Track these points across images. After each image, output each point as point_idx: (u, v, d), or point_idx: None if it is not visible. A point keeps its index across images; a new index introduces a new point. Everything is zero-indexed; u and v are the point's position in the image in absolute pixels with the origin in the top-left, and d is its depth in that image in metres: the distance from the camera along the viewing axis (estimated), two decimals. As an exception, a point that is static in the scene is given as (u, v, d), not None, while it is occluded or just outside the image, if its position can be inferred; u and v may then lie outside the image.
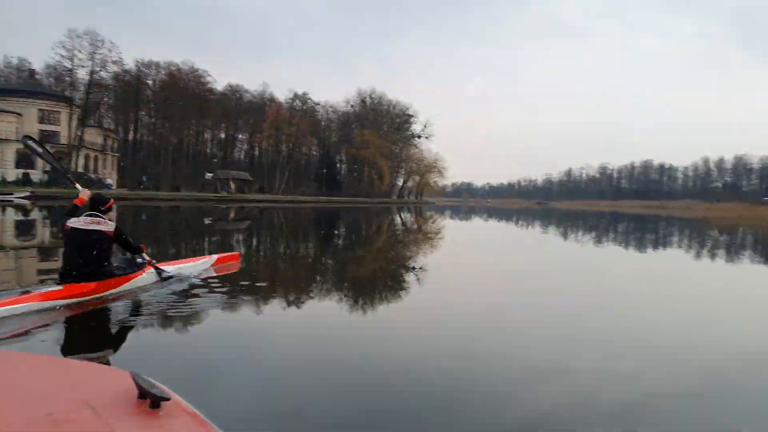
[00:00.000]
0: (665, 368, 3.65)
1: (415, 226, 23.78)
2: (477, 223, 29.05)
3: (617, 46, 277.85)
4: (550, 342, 4.22)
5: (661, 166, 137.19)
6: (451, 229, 23.33)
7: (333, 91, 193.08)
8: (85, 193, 5.30)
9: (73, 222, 4.90)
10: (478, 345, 4.02)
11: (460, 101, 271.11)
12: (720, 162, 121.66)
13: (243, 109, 74.34)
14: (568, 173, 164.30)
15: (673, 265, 10.91)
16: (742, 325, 5.27)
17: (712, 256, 13.26)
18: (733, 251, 14.74)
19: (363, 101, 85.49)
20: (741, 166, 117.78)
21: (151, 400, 1.38)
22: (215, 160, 70.10)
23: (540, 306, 5.71)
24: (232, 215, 26.14)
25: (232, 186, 56.33)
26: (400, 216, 34.65)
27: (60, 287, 4.74)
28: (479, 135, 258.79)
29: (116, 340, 3.97)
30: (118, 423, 1.27)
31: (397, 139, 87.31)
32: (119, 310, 4.78)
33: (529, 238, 18.56)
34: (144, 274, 5.57)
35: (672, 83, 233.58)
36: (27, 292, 4.57)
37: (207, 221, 20.87)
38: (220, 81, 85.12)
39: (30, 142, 5.97)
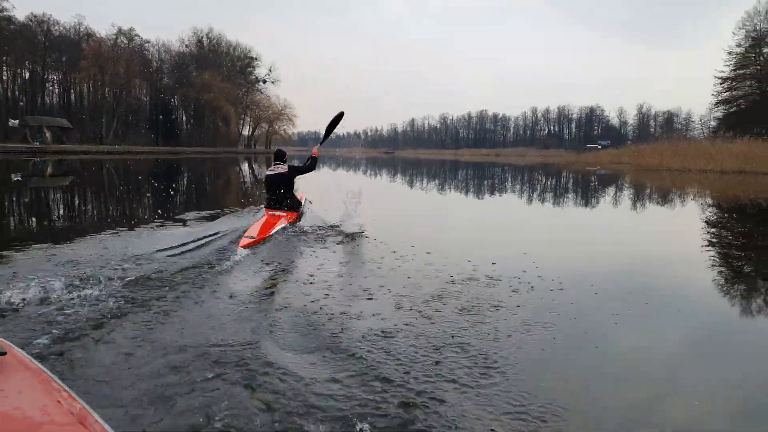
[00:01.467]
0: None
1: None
2: (327, 172, 28.39)
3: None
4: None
5: (495, 116, 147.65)
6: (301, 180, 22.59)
7: (166, 30, 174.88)
8: None
9: None
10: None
11: (310, 49, 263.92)
12: (546, 112, 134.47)
13: (53, 45, 63.22)
14: (412, 123, 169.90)
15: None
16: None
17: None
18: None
19: (200, 41, 78.11)
20: (563, 116, 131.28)
21: None
22: (21, 104, 59.58)
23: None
24: (49, 170, 22.26)
25: (48, 135, 47.98)
26: (251, 167, 32.62)
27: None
28: (326, 83, 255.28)
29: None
30: None
31: (240, 83, 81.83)
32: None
33: (377, 187, 18.83)
34: None
35: (502, 38, 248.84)
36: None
37: (16, 178, 17.37)
38: (20, 8, 71.53)
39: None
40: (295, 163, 8.17)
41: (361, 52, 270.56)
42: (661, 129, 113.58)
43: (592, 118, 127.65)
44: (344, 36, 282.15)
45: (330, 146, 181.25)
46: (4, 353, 1.36)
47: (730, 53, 44.87)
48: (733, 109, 45.79)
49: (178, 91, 72.94)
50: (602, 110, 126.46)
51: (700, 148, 30.47)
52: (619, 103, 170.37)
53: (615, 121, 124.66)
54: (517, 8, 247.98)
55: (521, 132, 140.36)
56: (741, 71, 44.50)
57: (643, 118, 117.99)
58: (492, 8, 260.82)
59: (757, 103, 41.47)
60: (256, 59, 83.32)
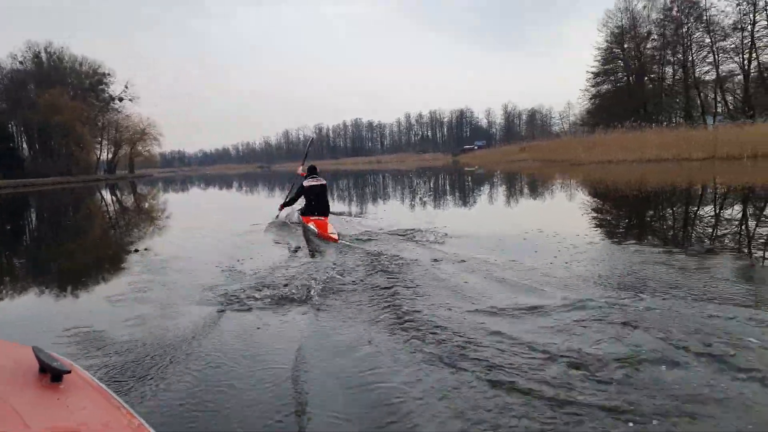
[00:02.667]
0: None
1: (140, 205, 20.05)
2: (196, 193, 26.05)
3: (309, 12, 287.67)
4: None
5: (370, 124, 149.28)
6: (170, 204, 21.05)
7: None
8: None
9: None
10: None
11: (171, 62, 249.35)
12: (419, 117, 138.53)
13: None
14: (286, 135, 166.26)
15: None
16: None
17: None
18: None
19: (37, 56, 69.03)
20: (435, 120, 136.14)
21: (51, 373, 1.41)
22: None
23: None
24: None
25: None
26: (116, 195, 28.80)
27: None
28: (186, 100, 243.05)
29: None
30: (15, 398, 1.28)
31: (93, 102, 73.65)
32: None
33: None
34: None
35: (363, 47, 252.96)
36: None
37: None
38: None
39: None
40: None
41: (227, 67, 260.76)
42: (525, 126, 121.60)
43: (462, 120, 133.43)
44: (208, 49, 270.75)
45: (199, 165, 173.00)
46: (69, 371, 1.43)
47: (598, 48, 48.22)
48: (596, 101, 49.07)
49: (16, 114, 63.95)
50: (472, 112, 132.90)
51: (601, 141, 31.55)
52: (487, 104, 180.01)
53: (484, 122, 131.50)
54: (373, 21, 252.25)
55: (396, 138, 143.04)
56: (608, 66, 47.83)
57: (509, 117, 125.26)
58: (352, 20, 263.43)
59: (625, 95, 44.58)
60: (108, 75, 75.47)
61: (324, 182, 9.17)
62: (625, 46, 45.79)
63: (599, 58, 48.36)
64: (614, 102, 45.34)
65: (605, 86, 49.30)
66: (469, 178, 27.81)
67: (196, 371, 2.94)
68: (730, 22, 36.62)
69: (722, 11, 37.27)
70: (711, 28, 38.02)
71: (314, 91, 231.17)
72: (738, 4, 35.15)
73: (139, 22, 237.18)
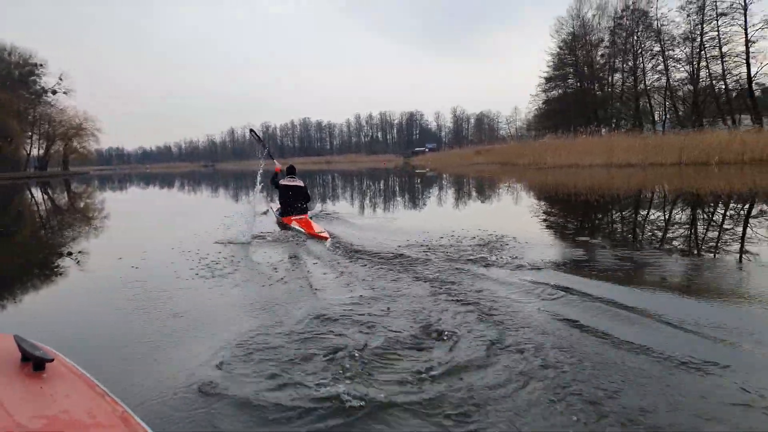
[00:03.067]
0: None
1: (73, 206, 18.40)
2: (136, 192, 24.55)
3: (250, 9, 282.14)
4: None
5: (319, 124, 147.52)
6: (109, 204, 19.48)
7: None
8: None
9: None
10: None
11: (124, 59, 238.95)
12: (369, 118, 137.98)
13: None
14: (232, 134, 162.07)
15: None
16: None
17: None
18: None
19: (-45, 44, 63.88)
20: (385, 122, 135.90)
21: (33, 362, 1.43)
22: None
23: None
24: None
25: None
26: (47, 194, 26.61)
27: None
28: (125, 95, 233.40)
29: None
30: None
31: (23, 94, 68.65)
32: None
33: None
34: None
35: (316, 49, 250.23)
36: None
37: None
38: None
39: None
40: None
41: (169, 63, 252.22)
42: (474, 130, 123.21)
43: (412, 122, 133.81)
44: (150, 45, 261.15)
45: (138, 162, 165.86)
46: (52, 360, 1.44)
47: (550, 54, 48.84)
48: (547, 106, 49.72)
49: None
50: (422, 114, 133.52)
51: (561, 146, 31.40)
52: (436, 107, 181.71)
53: (433, 125, 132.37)
54: (320, 22, 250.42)
55: (346, 138, 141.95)
56: (559, 72, 48.51)
57: (458, 120, 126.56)
58: (300, 21, 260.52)
59: (576, 101, 45.25)
60: (40, 65, 70.59)
61: (301, 184, 9.31)
62: (577, 52, 46.56)
63: (551, 63, 49.08)
64: (565, 107, 46.00)
65: (555, 92, 50.04)
66: (419, 180, 28.12)
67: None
68: (680, 32, 37.75)
69: (672, 21, 38.44)
70: (661, 37, 39.07)
71: (261, 90, 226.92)
72: (688, 15, 36.23)
73: (79, 16, 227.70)
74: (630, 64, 42.44)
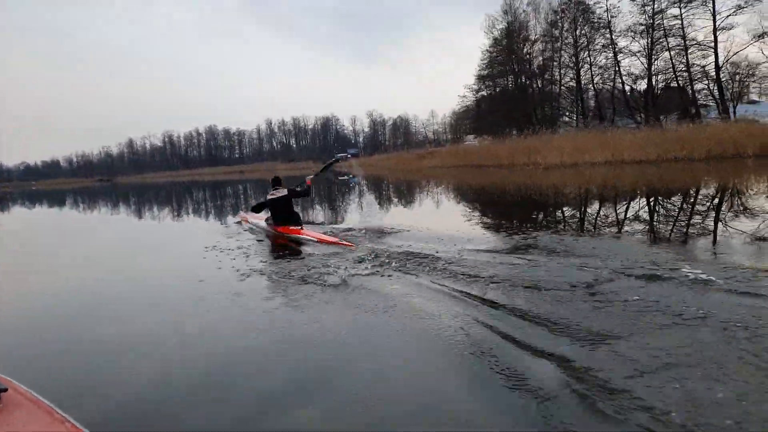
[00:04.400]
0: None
1: None
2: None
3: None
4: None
5: (227, 131, 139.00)
6: None
7: None
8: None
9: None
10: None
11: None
12: (282, 123, 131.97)
13: None
14: (130, 144, 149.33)
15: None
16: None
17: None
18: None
19: None
20: (299, 128, 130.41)
21: None
22: None
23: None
24: None
25: None
26: None
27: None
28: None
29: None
30: None
31: None
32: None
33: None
34: None
35: (222, 55, 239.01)
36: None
37: None
38: None
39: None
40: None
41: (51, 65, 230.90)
42: (389, 134, 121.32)
43: (328, 127, 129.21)
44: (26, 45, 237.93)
45: (24, 179, 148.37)
46: (5, 389, 1.42)
47: (484, 51, 46.95)
48: (480, 107, 47.76)
49: None
50: (337, 119, 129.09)
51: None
52: (352, 112, 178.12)
53: (350, 129, 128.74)
54: (223, 26, 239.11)
55: (257, 145, 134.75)
56: (492, 71, 46.55)
57: (375, 125, 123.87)
58: (205, 26, 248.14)
59: (512, 100, 43.27)
60: None
61: (286, 193, 9.37)
62: (513, 47, 44.74)
63: (486, 61, 47.11)
64: (502, 106, 43.92)
65: (485, 91, 48.32)
66: (345, 188, 24.98)
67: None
68: (634, 22, 36.71)
69: (620, 12, 37.65)
70: (611, 28, 38.06)
71: (163, 97, 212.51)
72: (643, 5, 35.09)
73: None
74: (573, 59, 41.00)
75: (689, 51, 33.37)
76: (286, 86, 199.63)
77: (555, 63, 42.76)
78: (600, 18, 38.92)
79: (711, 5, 31.39)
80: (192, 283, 5.99)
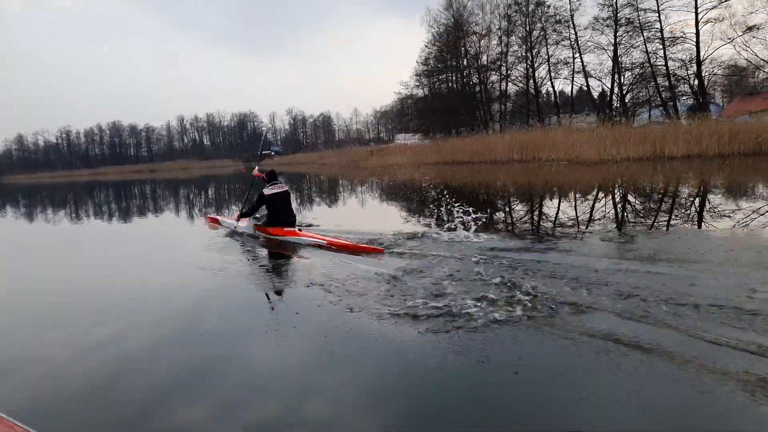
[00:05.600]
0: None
1: None
2: None
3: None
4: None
5: (134, 128, 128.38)
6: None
7: None
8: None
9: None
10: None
11: None
12: (195, 120, 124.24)
13: None
14: (19, 141, 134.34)
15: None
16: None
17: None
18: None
19: None
20: (212, 124, 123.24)
21: None
22: None
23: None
24: None
25: None
26: None
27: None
28: None
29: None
30: None
31: None
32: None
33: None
34: None
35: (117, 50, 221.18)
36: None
37: None
38: None
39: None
40: None
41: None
42: (309, 131, 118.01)
43: (244, 124, 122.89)
44: None
45: None
46: None
47: (423, 48, 45.26)
48: (419, 105, 45.90)
49: None
50: (255, 115, 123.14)
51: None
52: (272, 108, 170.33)
53: (269, 126, 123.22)
54: (124, 20, 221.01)
55: (166, 143, 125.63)
56: (431, 68, 44.65)
57: (295, 122, 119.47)
58: (88, 18, 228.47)
59: (455, 99, 41.50)
60: None
61: (287, 189, 8.36)
62: (460, 42, 42.66)
63: (431, 56, 45.01)
64: (447, 104, 41.92)
65: (423, 90, 46.40)
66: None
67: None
68: (587, 21, 36.17)
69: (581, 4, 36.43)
70: (574, 22, 36.82)
71: (60, 90, 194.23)
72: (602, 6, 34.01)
73: None
74: (528, 54, 39.44)
75: (666, 44, 32.33)
76: (199, 82, 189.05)
77: (509, 58, 41.18)
78: (558, 11, 37.55)
79: None
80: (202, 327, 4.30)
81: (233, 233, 8.92)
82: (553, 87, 39.64)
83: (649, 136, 20.22)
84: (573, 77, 38.06)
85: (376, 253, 6.10)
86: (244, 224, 8.77)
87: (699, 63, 31.33)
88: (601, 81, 36.95)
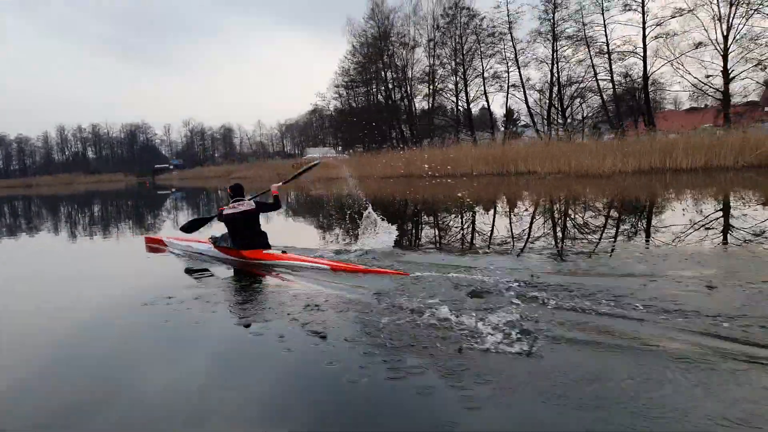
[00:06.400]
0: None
1: None
2: None
3: None
4: None
5: (1, 138, 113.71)
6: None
7: None
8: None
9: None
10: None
11: None
12: (79, 131, 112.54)
13: None
14: None
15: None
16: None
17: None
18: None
19: None
20: (97, 136, 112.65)
21: None
22: None
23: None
24: None
25: None
26: None
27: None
28: None
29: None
30: None
31: None
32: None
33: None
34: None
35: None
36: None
37: None
38: None
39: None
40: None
41: None
42: (211, 144, 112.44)
43: (136, 135, 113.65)
44: None
45: None
46: None
47: (346, 56, 43.33)
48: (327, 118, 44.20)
49: None
50: (148, 127, 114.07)
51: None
52: (166, 119, 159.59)
53: (164, 139, 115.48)
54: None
55: (44, 155, 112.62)
56: (352, 79, 42.89)
57: (193, 134, 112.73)
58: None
59: (379, 113, 39.92)
60: None
61: (254, 207, 7.06)
62: (384, 55, 40.97)
63: (350, 70, 43.12)
64: (364, 119, 40.11)
65: (340, 102, 44.57)
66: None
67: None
68: (540, 29, 35.05)
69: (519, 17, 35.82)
70: (512, 34, 36.22)
71: None
72: (547, 11, 33.36)
73: None
74: (461, 67, 38.36)
75: (612, 58, 32.32)
76: (84, 92, 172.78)
77: (438, 72, 39.90)
78: (493, 22, 36.73)
79: (641, 11, 30.30)
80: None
81: (192, 255, 7.80)
82: (487, 101, 38.89)
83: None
84: (508, 91, 37.65)
85: (400, 274, 5.44)
86: (201, 245, 7.74)
87: (645, 78, 31.55)
88: (541, 94, 36.88)
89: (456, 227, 9.74)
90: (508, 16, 35.80)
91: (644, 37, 30.62)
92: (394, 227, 7.92)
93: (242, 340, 3.90)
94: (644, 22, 30.40)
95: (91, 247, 10.33)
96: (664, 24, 29.53)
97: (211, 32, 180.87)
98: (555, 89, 35.31)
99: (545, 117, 36.50)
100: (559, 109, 35.33)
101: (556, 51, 34.18)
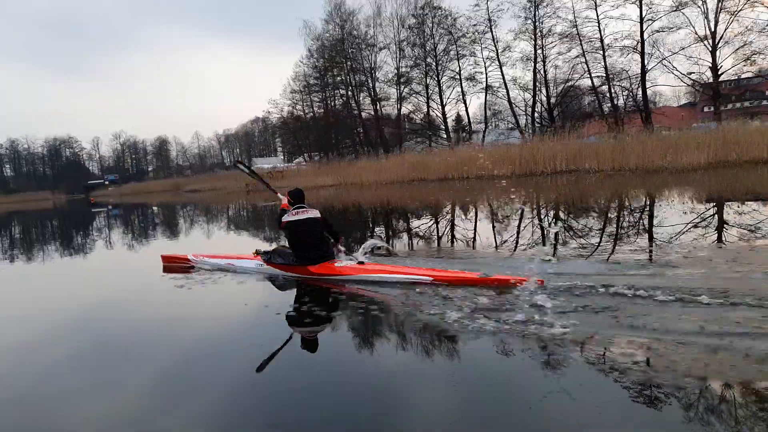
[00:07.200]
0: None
1: None
2: None
3: None
4: None
5: None
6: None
7: None
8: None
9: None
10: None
11: None
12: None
13: None
14: None
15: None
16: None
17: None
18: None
19: None
20: (16, 152, 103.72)
21: None
22: None
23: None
24: None
25: None
26: None
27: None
28: None
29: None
30: None
31: None
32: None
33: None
34: None
35: None
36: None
37: None
38: None
39: (240, 165, 7.92)
40: None
41: None
42: (144, 157, 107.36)
43: (60, 150, 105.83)
44: None
45: None
46: None
47: (302, 61, 41.43)
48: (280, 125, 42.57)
49: None
50: (75, 141, 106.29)
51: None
52: (94, 133, 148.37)
53: (93, 153, 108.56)
54: None
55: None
56: (309, 84, 41.16)
57: (124, 147, 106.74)
58: None
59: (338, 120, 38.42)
60: None
61: (318, 214, 6.06)
62: (344, 57, 39.21)
63: (307, 75, 41.19)
64: (323, 126, 38.32)
65: (297, 109, 42.65)
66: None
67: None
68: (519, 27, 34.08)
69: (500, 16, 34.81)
70: (494, 34, 35.10)
71: None
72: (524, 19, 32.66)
73: None
74: (435, 69, 36.85)
75: (607, 56, 31.43)
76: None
77: (409, 74, 38.25)
78: (472, 21, 35.42)
79: (638, 5, 29.38)
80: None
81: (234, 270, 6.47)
82: (465, 103, 37.73)
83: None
84: (486, 92, 36.56)
85: (520, 281, 4.28)
86: (251, 263, 6.42)
87: (643, 74, 30.74)
88: (524, 93, 35.78)
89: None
90: (488, 13, 34.62)
91: (641, 31, 29.91)
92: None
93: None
94: (641, 17, 29.75)
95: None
96: (658, 20, 29.46)
97: (141, 43, 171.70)
98: (541, 88, 34.69)
99: (530, 116, 35.68)
100: (546, 108, 34.62)
101: (542, 48, 33.49)
